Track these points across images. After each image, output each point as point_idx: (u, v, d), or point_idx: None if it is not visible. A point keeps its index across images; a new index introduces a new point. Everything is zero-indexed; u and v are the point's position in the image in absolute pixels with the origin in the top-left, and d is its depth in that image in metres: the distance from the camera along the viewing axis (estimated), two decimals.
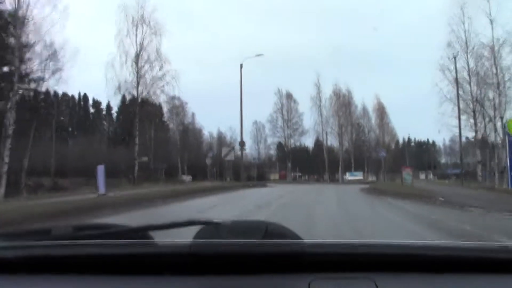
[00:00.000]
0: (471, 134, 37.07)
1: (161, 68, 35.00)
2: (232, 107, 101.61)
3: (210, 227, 1.16)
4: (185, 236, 1.14)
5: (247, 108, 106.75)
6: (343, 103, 62.92)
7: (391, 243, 1.15)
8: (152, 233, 1.22)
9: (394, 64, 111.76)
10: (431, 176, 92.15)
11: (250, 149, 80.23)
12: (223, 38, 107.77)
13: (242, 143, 37.60)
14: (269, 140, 73.69)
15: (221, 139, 74.91)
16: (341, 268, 1.04)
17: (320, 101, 63.07)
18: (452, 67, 35.00)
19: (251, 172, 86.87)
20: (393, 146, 72.05)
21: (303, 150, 76.11)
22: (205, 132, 70.00)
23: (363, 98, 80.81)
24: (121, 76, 34.56)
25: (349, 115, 63.52)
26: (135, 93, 35.01)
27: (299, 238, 1.16)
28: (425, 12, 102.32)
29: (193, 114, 66.99)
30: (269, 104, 69.20)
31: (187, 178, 52.93)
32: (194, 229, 1.15)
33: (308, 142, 71.78)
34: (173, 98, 47.46)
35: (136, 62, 34.44)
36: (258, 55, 39.21)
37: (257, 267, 1.04)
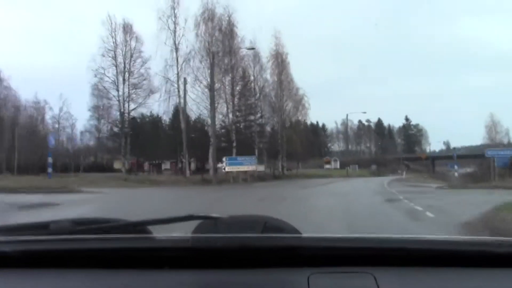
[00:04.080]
0: None
1: None
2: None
3: (209, 222, 1.15)
4: (184, 231, 1.13)
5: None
6: (218, 28, 33.88)
7: (391, 238, 1.16)
8: (151, 228, 1.19)
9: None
10: (337, 164, 69.13)
11: (88, 125, 49.09)
12: None
13: None
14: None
15: (39, 109, 52.43)
16: (341, 263, 1.02)
17: (176, 22, 33.31)
18: None
19: (85, 160, 56.65)
20: (300, 119, 45.28)
21: (153, 122, 46.13)
22: (23, 101, 48.27)
23: (254, 32, 52.02)
24: None
25: (229, 55, 34.67)
26: None
27: (298, 232, 1.15)
28: None
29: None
30: None
31: None
32: (193, 223, 1.14)
33: (160, 109, 41.42)
34: None
35: None
36: None
37: (256, 262, 1.03)
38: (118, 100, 39.12)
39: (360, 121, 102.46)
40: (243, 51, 35.70)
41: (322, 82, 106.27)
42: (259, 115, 41.14)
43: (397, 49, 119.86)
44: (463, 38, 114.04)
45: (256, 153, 38.28)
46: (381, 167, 68.07)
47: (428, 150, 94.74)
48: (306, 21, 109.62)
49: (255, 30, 50.43)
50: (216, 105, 33.12)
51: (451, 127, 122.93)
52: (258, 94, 40.50)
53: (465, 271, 1.03)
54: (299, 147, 45.36)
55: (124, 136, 39.38)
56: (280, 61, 42.34)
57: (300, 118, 44.73)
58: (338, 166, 67.39)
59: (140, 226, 1.20)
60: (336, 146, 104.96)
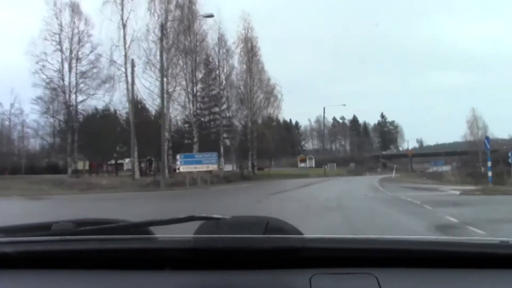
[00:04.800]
0: None
1: None
2: None
3: (210, 223, 1.15)
4: (185, 232, 1.12)
5: None
6: (175, 3, 28.75)
7: (393, 239, 1.16)
8: (153, 229, 1.19)
9: None
10: (312, 163, 64.76)
11: (41, 121, 42.76)
12: None
13: None
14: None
15: None
16: (343, 264, 1.02)
17: None
18: None
19: (40, 161, 50.64)
20: (272, 113, 40.42)
21: (107, 116, 40.53)
22: None
23: (220, 11, 46.14)
24: None
25: (189, 34, 29.61)
26: None
27: (300, 233, 1.15)
28: None
29: None
30: None
31: None
32: (195, 224, 1.13)
33: (112, 99, 35.70)
34: None
35: None
36: None
37: (258, 262, 1.03)
38: (64, 91, 33.61)
39: (334, 118, 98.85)
40: (203, 30, 30.65)
41: (294, 79, 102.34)
42: (225, 106, 36.18)
43: (371, 47, 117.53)
44: (436, 37, 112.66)
45: (222, 150, 33.35)
46: (358, 165, 64.31)
47: (401, 148, 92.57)
48: (277, 15, 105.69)
49: (220, 8, 44.49)
50: (171, 91, 27.94)
51: (423, 125, 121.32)
52: (223, 82, 35.53)
53: (467, 272, 1.03)
54: (271, 144, 40.70)
55: (71, 132, 33.97)
56: (249, 46, 37.51)
57: (272, 111, 39.95)
58: (314, 165, 63.12)
59: (141, 227, 1.20)
60: (310, 144, 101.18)
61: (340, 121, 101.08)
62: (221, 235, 1.09)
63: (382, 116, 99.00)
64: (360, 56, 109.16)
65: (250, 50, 37.65)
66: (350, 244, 1.11)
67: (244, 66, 37.72)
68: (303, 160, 65.72)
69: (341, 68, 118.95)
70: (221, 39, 34.49)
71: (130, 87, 26.81)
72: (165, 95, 27.38)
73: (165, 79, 27.82)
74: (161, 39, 23.33)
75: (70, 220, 1.21)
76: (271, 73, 39.95)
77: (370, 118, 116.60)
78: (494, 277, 1.02)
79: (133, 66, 25.87)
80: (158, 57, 27.53)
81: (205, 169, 22.62)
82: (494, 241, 1.16)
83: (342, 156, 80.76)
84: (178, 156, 23.82)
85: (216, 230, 1.12)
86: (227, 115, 36.49)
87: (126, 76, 27.43)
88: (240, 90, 37.59)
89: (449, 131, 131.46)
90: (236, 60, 37.15)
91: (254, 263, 1.02)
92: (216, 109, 35.51)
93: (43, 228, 1.21)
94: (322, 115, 72.57)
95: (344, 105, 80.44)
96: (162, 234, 1.15)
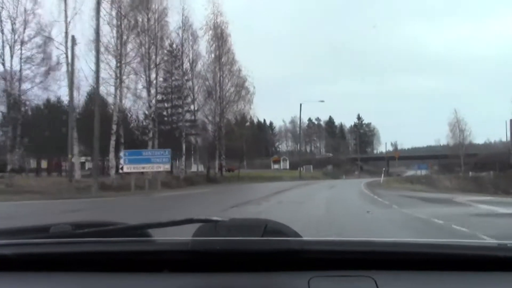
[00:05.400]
0: None
1: None
2: None
3: (209, 225, 1.15)
4: (184, 234, 1.12)
5: None
6: None
7: (391, 241, 1.17)
8: (151, 231, 1.18)
9: None
10: (287, 165, 60.96)
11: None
12: None
13: None
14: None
15: None
16: (341, 266, 1.03)
17: None
18: None
19: None
20: (243, 108, 36.27)
21: (59, 108, 35.75)
22: None
23: None
24: None
25: (147, 12, 25.26)
26: None
27: (298, 235, 1.14)
28: None
29: None
30: None
31: None
32: (194, 227, 1.13)
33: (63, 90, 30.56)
34: None
35: None
36: None
37: (256, 265, 1.03)
38: (4, 78, 28.56)
39: (310, 119, 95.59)
40: (164, 8, 26.26)
41: (268, 80, 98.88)
42: (189, 99, 31.86)
43: (348, 49, 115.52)
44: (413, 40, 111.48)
45: (184, 148, 29.12)
46: (335, 168, 60.98)
47: (376, 151, 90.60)
48: (250, 15, 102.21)
49: None
50: (124, 77, 23.49)
51: (398, 128, 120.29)
52: (188, 71, 31.20)
53: (466, 275, 1.03)
54: (242, 143, 36.65)
55: (12, 125, 28.96)
56: (219, 33, 33.37)
57: (243, 106, 35.79)
58: (288, 167, 59.34)
59: (140, 230, 1.19)
60: (285, 146, 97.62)
61: (316, 122, 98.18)
62: (220, 237, 1.07)
63: (359, 118, 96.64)
64: (337, 57, 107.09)
65: (219, 37, 33.54)
66: (348, 247, 1.09)
67: (213, 55, 33.59)
68: (277, 161, 61.94)
69: (317, 69, 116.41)
70: (185, 22, 30.23)
71: (70, 68, 22.23)
72: (113, 79, 22.96)
73: (114, 61, 23.41)
74: (97, 1, 18.87)
75: (68, 222, 1.19)
76: (243, 63, 35.73)
77: (346, 120, 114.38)
78: (492, 280, 1.00)
79: (73, 43, 21.36)
80: (107, 36, 23.05)
81: (155, 169, 18.33)
82: (493, 244, 1.14)
83: (318, 158, 77.41)
84: (121, 153, 19.40)
85: (214, 233, 1.10)
86: (192, 108, 32.22)
87: (67, 56, 22.83)
88: (207, 82, 33.42)
89: (423, 135, 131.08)
90: (204, 48, 32.99)
91: (252, 265, 1.01)
92: (179, 102, 31.20)
93: (41, 231, 1.18)
94: (297, 115, 67.46)
95: (323, 101, 77.06)
96: (160, 236, 1.13)
